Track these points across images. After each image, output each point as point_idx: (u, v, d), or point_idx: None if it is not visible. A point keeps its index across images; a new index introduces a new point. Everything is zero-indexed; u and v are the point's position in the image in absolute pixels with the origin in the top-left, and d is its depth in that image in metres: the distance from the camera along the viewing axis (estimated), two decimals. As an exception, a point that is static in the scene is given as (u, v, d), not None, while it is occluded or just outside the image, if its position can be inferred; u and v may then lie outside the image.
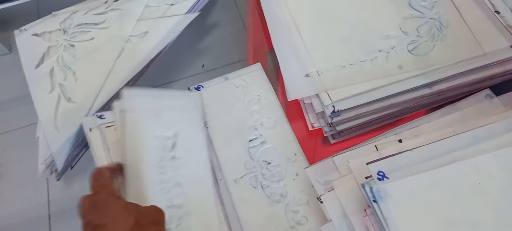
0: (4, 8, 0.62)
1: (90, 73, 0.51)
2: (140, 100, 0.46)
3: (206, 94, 0.51)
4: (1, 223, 0.50)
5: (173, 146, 0.46)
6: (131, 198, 0.42)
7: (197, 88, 0.50)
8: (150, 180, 0.44)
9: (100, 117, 0.49)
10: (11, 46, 0.83)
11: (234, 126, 0.51)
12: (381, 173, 0.39)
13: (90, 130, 0.47)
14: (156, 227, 0.36)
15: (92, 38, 0.54)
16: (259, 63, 0.57)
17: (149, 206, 0.37)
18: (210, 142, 0.49)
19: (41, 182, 0.53)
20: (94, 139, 0.47)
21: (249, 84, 0.52)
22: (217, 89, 0.51)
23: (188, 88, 0.52)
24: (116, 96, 0.51)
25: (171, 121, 0.47)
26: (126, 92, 0.46)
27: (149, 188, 0.43)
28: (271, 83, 0.55)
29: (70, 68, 0.52)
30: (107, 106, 0.50)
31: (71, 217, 0.50)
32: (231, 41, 0.61)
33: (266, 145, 0.50)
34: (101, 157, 0.45)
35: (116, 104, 0.45)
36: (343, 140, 0.50)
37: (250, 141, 0.50)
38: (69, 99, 0.50)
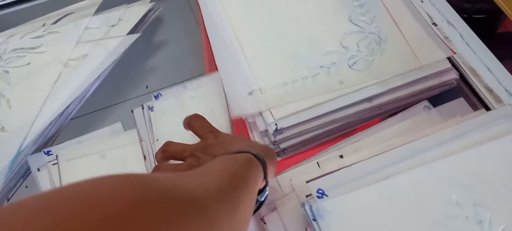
0: None
1: (25, 100, 0.49)
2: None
3: (162, 104, 0.49)
4: None
5: None
6: None
7: (156, 97, 0.49)
8: None
9: (47, 153, 0.47)
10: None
11: (185, 140, 0.49)
12: (320, 191, 0.39)
13: (38, 169, 0.46)
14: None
15: (28, 63, 0.51)
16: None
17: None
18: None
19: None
20: (42, 178, 0.46)
21: (206, 96, 0.50)
22: (175, 99, 0.50)
23: (132, 111, 0.51)
24: (55, 123, 0.49)
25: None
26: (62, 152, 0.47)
27: None
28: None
29: (4, 95, 0.49)
30: (45, 133, 0.48)
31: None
32: (178, 60, 0.60)
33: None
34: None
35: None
36: (291, 157, 0.49)
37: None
38: (2, 129, 0.47)
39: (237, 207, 0.28)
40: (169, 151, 0.40)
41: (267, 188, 0.37)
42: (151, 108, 0.49)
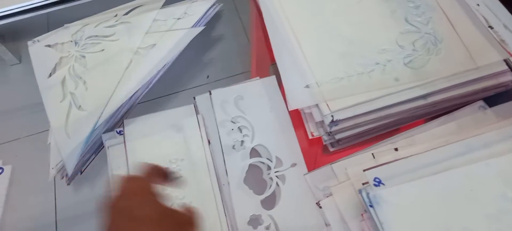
0: (15, 20, 0.65)
1: (100, 83, 0.53)
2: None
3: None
4: (9, 229, 0.52)
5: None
6: None
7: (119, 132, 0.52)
8: None
9: (119, 132, 0.52)
10: (21, 57, 0.86)
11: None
12: (377, 180, 0.41)
13: (108, 148, 0.51)
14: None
15: (102, 50, 0.56)
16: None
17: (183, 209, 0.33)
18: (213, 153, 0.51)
19: (49, 188, 0.54)
20: (112, 155, 0.50)
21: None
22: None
23: (194, 98, 0.54)
24: (125, 105, 0.53)
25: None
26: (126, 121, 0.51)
27: None
28: None
29: (81, 78, 0.54)
30: (116, 114, 0.52)
31: (78, 224, 0.52)
32: (234, 54, 0.63)
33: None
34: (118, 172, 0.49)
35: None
36: (343, 149, 0.51)
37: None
38: (79, 108, 0.52)
39: None
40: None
41: None
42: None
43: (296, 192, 0.48)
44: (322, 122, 0.48)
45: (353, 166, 0.45)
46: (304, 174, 0.47)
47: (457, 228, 0.38)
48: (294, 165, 0.50)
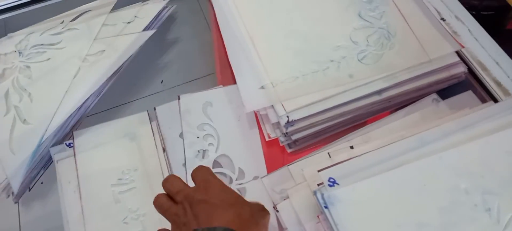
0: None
1: (46, 94, 0.51)
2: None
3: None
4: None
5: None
6: None
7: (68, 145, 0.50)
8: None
9: (69, 145, 0.49)
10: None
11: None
12: (331, 180, 0.41)
13: (57, 162, 0.48)
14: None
15: (48, 59, 0.53)
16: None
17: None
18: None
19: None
20: (61, 170, 0.48)
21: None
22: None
23: (154, 108, 0.52)
24: (74, 116, 0.50)
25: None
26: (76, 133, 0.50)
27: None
28: None
29: (25, 89, 0.51)
30: (64, 126, 0.50)
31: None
32: (196, 57, 0.61)
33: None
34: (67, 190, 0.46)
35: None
36: (301, 149, 0.50)
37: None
38: (24, 121, 0.49)
39: None
40: (165, 187, 0.39)
41: None
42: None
43: None
44: (278, 123, 0.47)
45: (310, 166, 0.44)
46: (261, 177, 0.46)
47: (411, 223, 0.38)
48: (256, 177, 0.48)
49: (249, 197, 0.46)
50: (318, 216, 0.41)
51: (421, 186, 0.39)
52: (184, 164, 0.48)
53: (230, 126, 0.51)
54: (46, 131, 0.48)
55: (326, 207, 0.39)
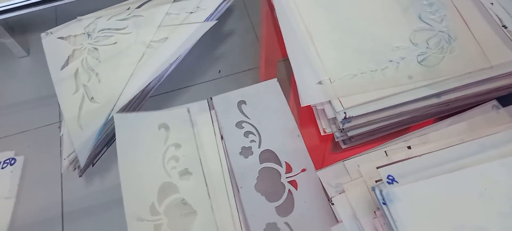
0: (24, 13, 0.65)
1: (112, 75, 0.53)
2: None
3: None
4: (18, 223, 0.52)
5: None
6: None
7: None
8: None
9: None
10: (29, 49, 0.87)
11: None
12: (390, 177, 0.41)
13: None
14: None
15: (115, 43, 0.56)
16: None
17: None
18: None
19: (59, 180, 0.55)
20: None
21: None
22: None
23: (211, 98, 0.54)
24: (137, 98, 0.53)
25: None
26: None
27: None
28: (283, 92, 0.56)
29: (93, 70, 0.54)
30: (128, 107, 0.52)
31: (87, 216, 0.52)
32: (244, 49, 0.63)
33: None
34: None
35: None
36: (351, 148, 0.51)
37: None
38: (92, 99, 0.52)
39: None
40: None
41: None
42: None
43: (309, 197, 0.47)
44: (335, 118, 0.48)
45: (366, 163, 0.45)
46: (317, 171, 0.47)
47: (470, 226, 0.38)
48: (304, 170, 0.49)
49: (301, 191, 0.48)
50: (375, 212, 0.41)
51: (482, 190, 0.40)
52: (241, 153, 0.50)
53: (268, 122, 0.52)
54: (112, 110, 0.51)
55: (384, 204, 0.40)
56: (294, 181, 0.49)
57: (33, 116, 0.59)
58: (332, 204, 0.44)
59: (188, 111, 0.52)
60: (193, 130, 0.51)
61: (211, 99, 0.54)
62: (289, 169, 0.50)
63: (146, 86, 0.53)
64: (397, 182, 0.41)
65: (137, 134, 0.50)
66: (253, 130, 0.52)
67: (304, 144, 0.51)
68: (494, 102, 0.49)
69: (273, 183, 0.49)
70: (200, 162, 0.49)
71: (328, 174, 0.47)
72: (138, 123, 0.51)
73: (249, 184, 0.48)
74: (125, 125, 0.50)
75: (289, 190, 0.48)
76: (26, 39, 0.88)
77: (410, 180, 0.41)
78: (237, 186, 0.48)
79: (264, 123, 0.52)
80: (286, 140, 0.51)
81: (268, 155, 0.51)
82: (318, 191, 0.47)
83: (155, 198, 0.47)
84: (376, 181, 0.42)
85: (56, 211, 0.52)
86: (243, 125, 0.52)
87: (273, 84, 0.55)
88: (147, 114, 0.52)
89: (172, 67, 0.55)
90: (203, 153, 0.49)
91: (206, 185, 0.48)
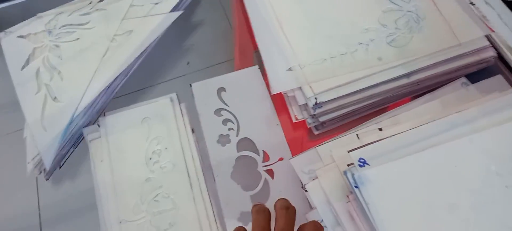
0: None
1: (76, 73, 0.51)
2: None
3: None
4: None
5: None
6: None
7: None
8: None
9: (99, 126, 0.50)
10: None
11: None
12: (362, 160, 0.41)
13: (90, 141, 0.49)
14: None
15: (77, 39, 0.54)
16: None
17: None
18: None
19: (30, 186, 0.53)
20: (93, 149, 0.49)
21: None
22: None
23: (190, 85, 0.53)
24: (103, 95, 0.51)
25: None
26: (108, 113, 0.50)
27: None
28: None
29: (55, 68, 0.52)
30: (94, 105, 0.51)
31: (62, 221, 0.50)
32: (217, 41, 0.62)
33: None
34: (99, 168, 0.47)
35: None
36: (328, 132, 0.51)
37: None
38: (55, 99, 0.50)
39: None
40: None
41: None
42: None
43: (285, 186, 0.47)
44: (306, 104, 0.48)
45: (338, 148, 0.45)
46: (289, 159, 0.46)
47: (442, 204, 0.38)
48: (281, 159, 0.48)
49: (278, 180, 0.47)
50: (347, 196, 0.41)
51: (452, 167, 0.39)
52: (218, 141, 0.49)
53: (247, 110, 0.52)
54: (76, 109, 0.49)
55: (356, 187, 0.39)
56: (271, 170, 0.48)
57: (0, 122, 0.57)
58: (306, 191, 0.43)
59: (171, 101, 0.51)
60: (176, 122, 0.50)
61: (190, 86, 0.53)
62: (266, 157, 0.49)
63: (112, 82, 0.51)
64: (369, 165, 0.40)
65: (120, 135, 0.49)
66: (232, 118, 0.51)
67: (282, 132, 0.50)
68: (464, 79, 0.49)
69: (250, 172, 0.48)
70: (183, 153, 0.48)
71: (301, 161, 0.46)
72: (120, 122, 0.50)
73: (225, 172, 0.48)
74: (108, 125, 0.50)
75: (265, 179, 0.47)
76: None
77: (381, 162, 0.40)
78: (213, 175, 0.47)
79: (244, 111, 0.52)
80: (265, 129, 0.50)
81: (246, 143, 0.50)
82: (294, 180, 0.46)
83: (138, 197, 0.46)
84: (348, 165, 0.42)
85: (33, 217, 0.50)
86: (222, 112, 0.52)
87: (254, 72, 0.55)
88: (129, 111, 0.51)
89: (139, 61, 0.53)
90: (183, 145, 0.49)
91: (189, 176, 0.47)
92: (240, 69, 0.55)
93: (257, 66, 0.55)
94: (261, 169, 0.48)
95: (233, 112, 0.52)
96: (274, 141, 0.50)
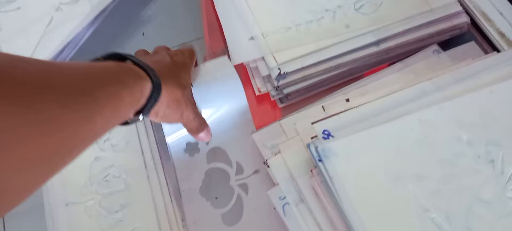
0: None
1: (17, 44, 0.46)
2: None
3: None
4: None
5: None
6: None
7: None
8: None
9: None
10: None
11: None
12: (326, 132, 0.38)
13: None
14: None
15: (18, 8, 0.49)
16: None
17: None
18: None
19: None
20: None
21: None
22: None
23: None
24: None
25: None
26: None
27: None
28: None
29: (-6, 41, 0.47)
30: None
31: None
32: (178, 9, 0.57)
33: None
34: None
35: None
36: (295, 106, 0.48)
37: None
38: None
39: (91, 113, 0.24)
40: None
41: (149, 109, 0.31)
42: None
43: (260, 203, 0.41)
44: (269, 76, 0.44)
45: (302, 121, 0.42)
46: (251, 133, 0.43)
47: (410, 175, 0.35)
48: (256, 171, 0.43)
49: (252, 194, 0.42)
50: (311, 171, 0.38)
51: (421, 137, 0.37)
52: (185, 150, 0.43)
53: (219, 112, 0.43)
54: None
55: (320, 160, 0.36)
56: (245, 184, 0.42)
57: None
58: (268, 166, 0.40)
59: None
60: None
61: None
62: (240, 170, 0.43)
63: (58, 54, 0.47)
64: (333, 137, 0.37)
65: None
66: None
67: (253, 123, 0.44)
68: (435, 47, 0.46)
69: (221, 186, 0.42)
70: (137, 132, 0.44)
71: (263, 136, 0.43)
72: None
73: (193, 187, 0.42)
74: None
75: (238, 194, 0.42)
76: None
77: (347, 133, 0.37)
78: (179, 189, 0.42)
79: (214, 114, 0.43)
80: (239, 136, 0.43)
81: (217, 154, 0.43)
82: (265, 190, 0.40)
83: (86, 177, 0.42)
84: (312, 138, 0.38)
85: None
86: None
87: (224, 63, 0.44)
88: None
89: (89, 32, 0.49)
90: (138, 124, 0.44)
91: (143, 154, 0.43)
92: (211, 49, 0.50)
93: (226, 57, 0.45)
94: (234, 183, 0.42)
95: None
96: (249, 151, 0.43)
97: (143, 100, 0.30)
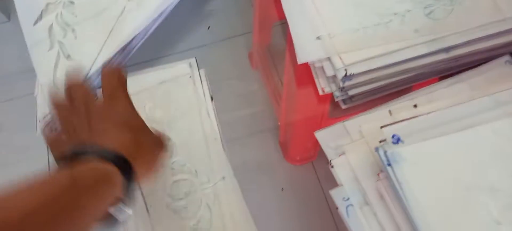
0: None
1: (90, 31, 0.49)
2: None
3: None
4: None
5: None
6: None
7: None
8: None
9: None
10: (9, 14, 0.81)
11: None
12: (396, 137, 0.38)
13: None
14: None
15: (93, -4, 0.51)
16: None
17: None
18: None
19: (41, 147, 0.51)
20: None
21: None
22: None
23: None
24: (118, 56, 0.48)
25: None
26: None
27: None
28: (274, 57, 0.50)
29: (69, 25, 0.49)
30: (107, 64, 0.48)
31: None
32: (236, 13, 0.58)
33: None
34: None
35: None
36: (353, 109, 0.48)
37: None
38: (68, 57, 0.47)
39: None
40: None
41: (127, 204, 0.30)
42: None
43: (229, 210, 0.41)
44: (334, 76, 0.44)
45: (368, 123, 0.42)
46: (315, 132, 0.44)
47: (483, 187, 0.35)
48: (223, 178, 0.43)
49: (221, 206, 0.41)
50: (378, 174, 0.38)
51: (496, 149, 0.36)
52: None
53: (180, 123, 0.45)
54: (90, 68, 0.46)
55: (389, 165, 0.36)
56: (212, 192, 0.42)
57: (11, 85, 0.55)
58: (332, 166, 0.41)
59: (190, 66, 0.48)
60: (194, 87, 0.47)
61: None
62: (205, 179, 0.43)
63: (128, 43, 0.48)
64: (403, 142, 0.37)
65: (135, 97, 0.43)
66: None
67: (222, 147, 0.44)
68: (507, 57, 0.45)
69: (188, 197, 0.42)
70: (201, 121, 0.45)
71: (327, 136, 0.43)
72: (135, 84, 0.44)
73: (159, 202, 0.42)
74: None
75: (206, 203, 0.42)
76: (6, 4, 0.83)
77: (417, 140, 0.37)
78: (146, 207, 0.42)
79: (176, 126, 0.44)
80: (202, 145, 0.44)
81: (181, 165, 0.44)
82: (239, 201, 0.41)
83: None
84: (380, 141, 0.39)
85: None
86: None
87: (183, 70, 0.47)
88: (145, 75, 0.47)
89: (157, 23, 0.50)
90: (201, 112, 0.45)
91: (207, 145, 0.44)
92: (258, 42, 0.51)
93: (194, 59, 0.48)
94: (200, 193, 0.42)
95: (159, 123, 0.45)
96: (214, 158, 0.43)
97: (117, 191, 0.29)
